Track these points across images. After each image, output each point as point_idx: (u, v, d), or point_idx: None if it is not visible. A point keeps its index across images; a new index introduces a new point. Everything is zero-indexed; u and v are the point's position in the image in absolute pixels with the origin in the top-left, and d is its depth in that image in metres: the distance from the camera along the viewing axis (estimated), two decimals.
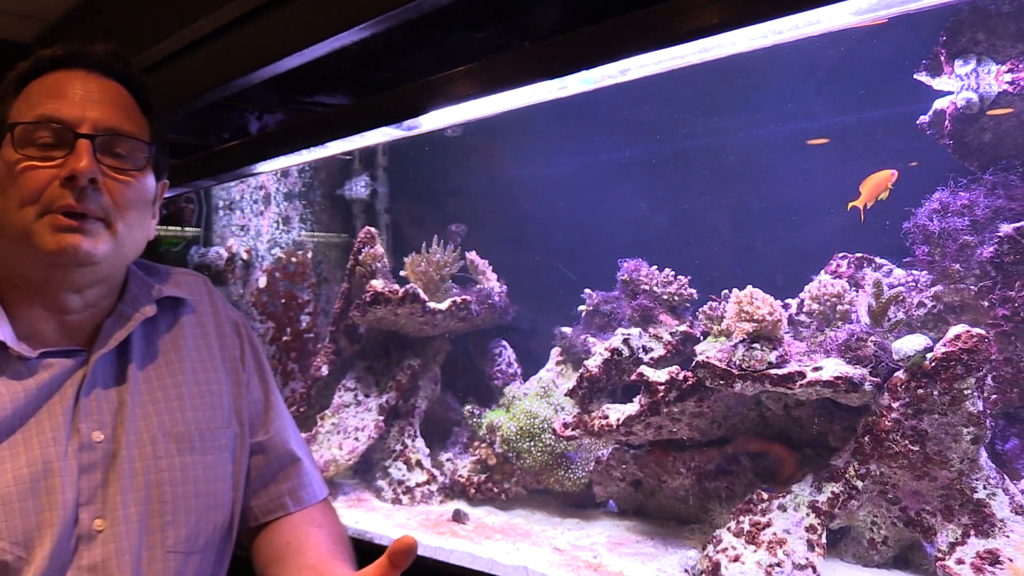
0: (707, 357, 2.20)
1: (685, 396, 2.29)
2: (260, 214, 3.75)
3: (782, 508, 2.08)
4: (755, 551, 2.02)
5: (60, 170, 1.30)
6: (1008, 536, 1.85)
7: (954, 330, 1.90)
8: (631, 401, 2.43)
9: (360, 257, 3.12)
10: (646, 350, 2.60)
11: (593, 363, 2.57)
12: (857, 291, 2.25)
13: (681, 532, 2.41)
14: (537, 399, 2.86)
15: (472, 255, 3.27)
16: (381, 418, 3.08)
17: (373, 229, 3.22)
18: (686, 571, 2.12)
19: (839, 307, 2.21)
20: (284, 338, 3.73)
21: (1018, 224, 2.00)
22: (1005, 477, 1.94)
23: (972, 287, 2.09)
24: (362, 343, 3.31)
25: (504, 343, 3.27)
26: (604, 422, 2.44)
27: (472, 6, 1.74)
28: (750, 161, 2.84)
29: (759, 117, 2.76)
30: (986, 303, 2.07)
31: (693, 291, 2.70)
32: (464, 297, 3.08)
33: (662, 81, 1.65)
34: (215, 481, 1.48)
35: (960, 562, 1.87)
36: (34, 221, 1.30)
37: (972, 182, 2.14)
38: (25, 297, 1.37)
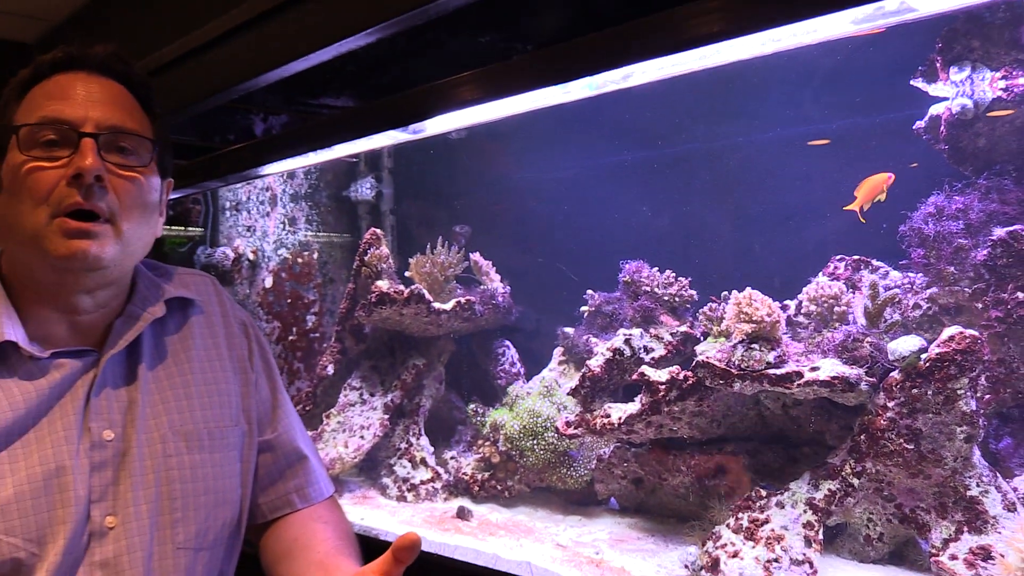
0: (707, 357, 2.22)
1: (685, 395, 2.32)
2: (266, 215, 3.76)
3: (780, 505, 2.11)
4: (753, 547, 2.04)
5: (66, 169, 1.31)
6: (1000, 532, 1.88)
7: (948, 331, 1.93)
8: (632, 400, 2.45)
9: (366, 258, 3.14)
10: (647, 350, 2.62)
11: (595, 363, 2.59)
12: (854, 293, 2.28)
13: (681, 529, 2.43)
14: (540, 398, 2.88)
15: (476, 256, 3.28)
16: (386, 417, 3.10)
17: (378, 230, 3.23)
18: (686, 567, 2.14)
19: (836, 308, 2.23)
20: (290, 338, 3.74)
21: (1011, 228, 2.02)
22: (998, 475, 1.97)
23: (966, 289, 2.12)
24: (367, 343, 3.32)
25: (507, 343, 3.28)
26: (606, 421, 2.46)
27: (476, 11, 1.74)
28: (750, 165, 2.85)
29: (759, 122, 2.77)
30: (980, 305, 2.09)
31: (693, 292, 2.71)
32: (468, 298, 3.09)
33: (663, 87, 1.67)
34: (224, 479, 1.49)
35: (954, 558, 1.91)
36: (45, 225, 1.31)
37: (967, 186, 2.17)
38: (36, 299, 1.39)
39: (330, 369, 3.32)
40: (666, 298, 2.72)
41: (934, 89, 2.21)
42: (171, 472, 1.42)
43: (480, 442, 3.00)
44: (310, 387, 3.42)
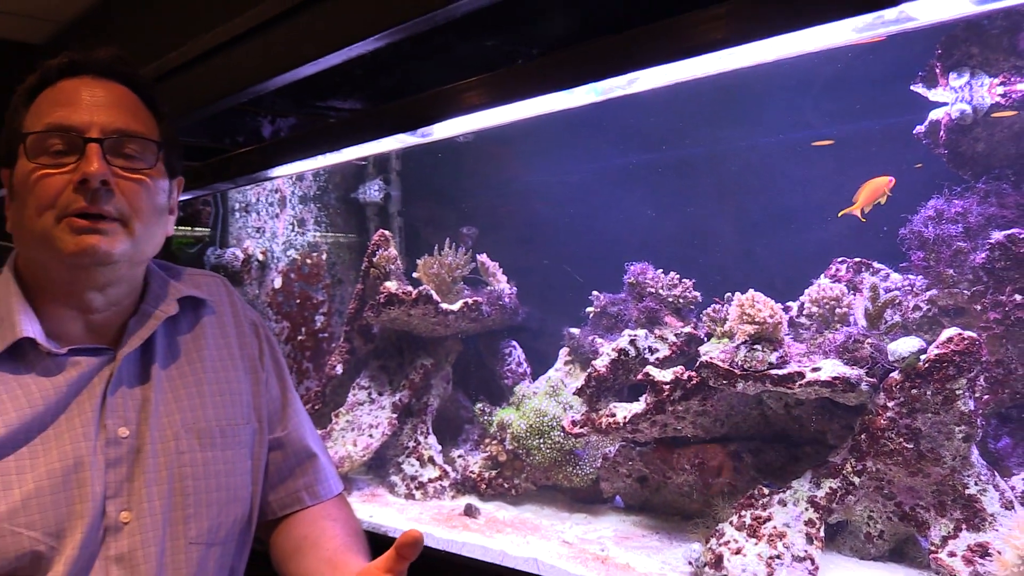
0: (710, 358, 2.24)
1: (689, 395, 2.34)
2: (276, 216, 3.78)
3: (782, 503, 2.13)
4: (756, 544, 2.07)
5: (73, 175, 1.33)
6: (997, 530, 1.91)
7: (946, 333, 1.96)
8: (637, 400, 2.47)
9: (374, 259, 3.15)
10: (652, 351, 2.63)
11: (601, 363, 2.61)
12: (855, 295, 2.29)
13: (685, 526, 2.45)
14: (546, 398, 2.89)
15: (483, 258, 3.29)
16: (395, 416, 3.11)
17: (387, 232, 3.24)
18: (690, 563, 2.16)
19: (838, 310, 2.25)
20: (299, 337, 3.76)
21: (1009, 231, 2.05)
22: (995, 473, 2.00)
23: (965, 291, 2.14)
24: (376, 343, 3.34)
25: (514, 343, 3.30)
26: (611, 420, 2.48)
27: (483, 16, 1.76)
28: (753, 169, 2.86)
29: (762, 127, 2.78)
30: (978, 307, 2.12)
31: (697, 294, 2.72)
32: (475, 298, 3.11)
33: (668, 91, 1.68)
34: (235, 475, 1.52)
35: (952, 555, 1.94)
36: (53, 226, 1.33)
37: (966, 190, 2.19)
38: (51, 298, 1.41)
39: (339, 369, 3.34)
40: (670, 299, 2.73)
41: (934, 94, 2.23)
42: (184, 469, 1.45)
43: (487, 441, 3.01)
44: (319, 386, 3.44)
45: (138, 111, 1.44)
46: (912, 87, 2.28)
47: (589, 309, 2.98)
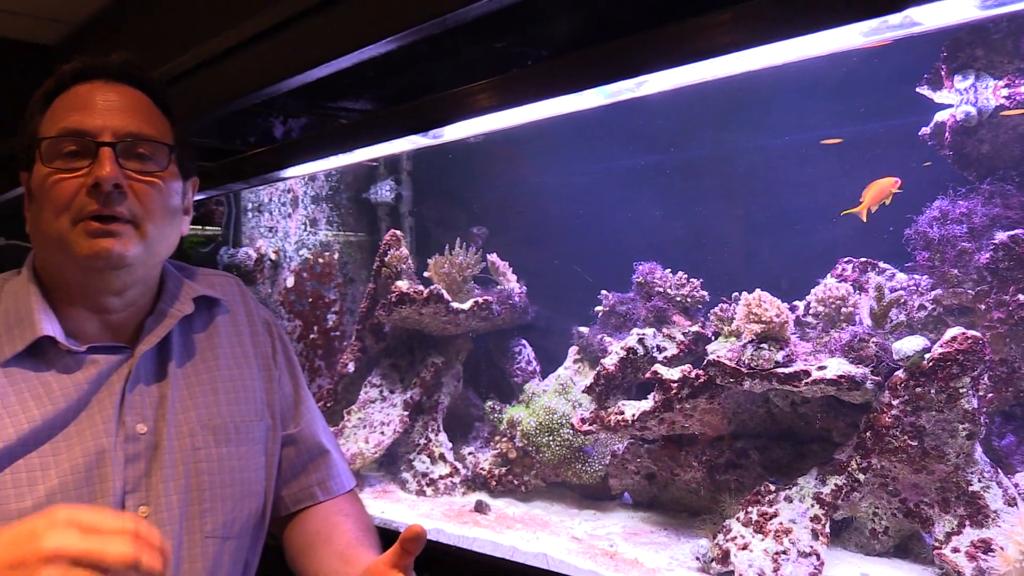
0: (718, 356, 2.26)
1: (697, 393, 2.35)
2: (288, 216, 3.80)
3: (788, 499, 2.15)
4: (763, 540, 2.09)
5: (86, 179, 1.35)
6: (1000, 526, 1.92)
7: (950, 332, 1.98)
8: (646, 398, 2.49)
9: (386, 259, 3.17)
10: (660, 349, 2.64)
11: (609, 361, 2.63)
12: (861, 294, 2.31)
13: (693, 522, 2.46)
14: (556, 395, 2.91)
15: (493, 257, 3.30)
16: (406, 413, 3.13)
17: (398, 232, 3.26)
18: (697, 559, 2.18)
19: (843, 309, 2.26)
20: (311, 336, 3.79)
21: (1012, 232, 2.06)
22: (999, 471, 2.01)
23: (970, 291, 2.15)
24: (387, 341, 3.36)
25: (524, 342, 3.31)
26: (620, 418, 2.50)
27: (493, 18, 1.76)
28: (759, 170, 2.87)
29: (768, 129, 2.79)
30: (983, 306, 2.13)
31: (705, 293, 2.73)
32: (485, 298, 3.12)
33: (675, 94, 1.68)
34: (249, 471, 1.55)
35: (956, 551, 1.95)
36: (69, 230, 1.35)
37: (970, 191, 2.20)
38: (68, 299, 1.44)
39: (351, 367, 3.36)
40: (678, 299, 2.74)
41: (939, 96, 2.23)
42: (199, 464, 1.48)
43: (497, 438, 3.04)
44: (331, 384, 3.46)
45: (150, 114, 1.46)
46: (917, 89, 2.28)
47: (598, 308, 2.99)
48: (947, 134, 2.23)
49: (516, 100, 1.80)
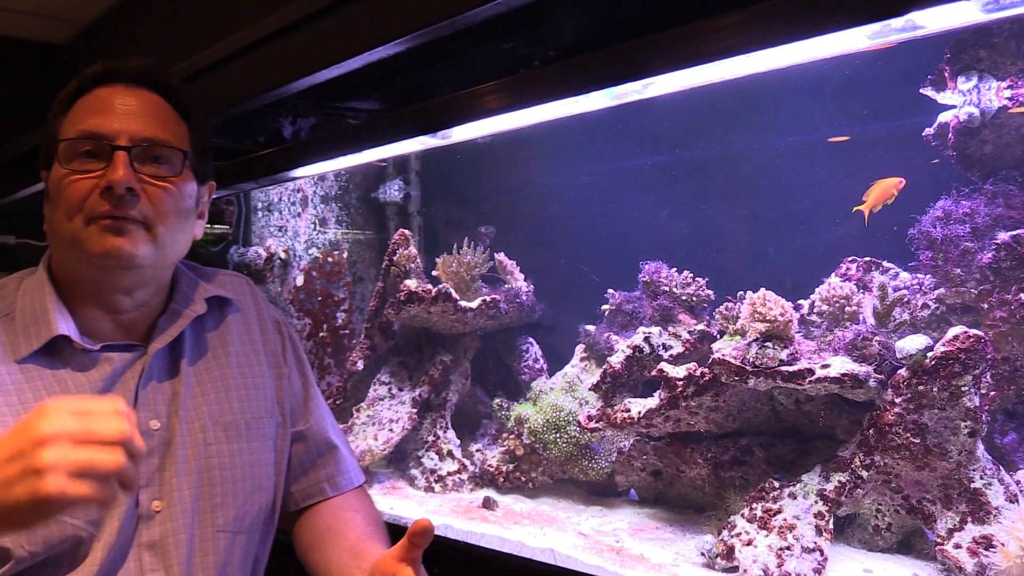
0: (723, 354, 2.27)
1: (702, 391, 2.37)
2: (298, 216, 3.82)
3: (792, 496, 2.17)
4: (767, 536, 2.11)
5: (100, 181, 1.36)
6: (1002, 523, 1.94)
7: (952, 331, 1.99)
8: (651, 396, 2.50)
9: (395, 258, 3.19)
10: (666, 348, 2.65)
11: (616, 359, 2.64)
12: (865, 293, 2.32)
13: (698, 519, 2.48)
14: (562, 393, 2.93)
15: (501, 256, 3.31)
16: (414, 411, 3.15)
17: (407, 231, 3.27)
18: (703, 554, 2.20)
19: (847, 308, 2.28)
20: (321, 334, 3.81)
21: (1015, 232, 2.07)
22: (1000, 468, 2.03)
23: (972, 290, 2.16)
24: (396, 339, 3.37)
25: (531, 340, 3.31)
26: (626, 415, 2.51)
27: (501, 20, 1.78)
28: (764, 171, 2.88)
29: (773, 130, 2.80)
30: (985, 305, 2.15)
31: (710, 292, 2.74)
32: (493, 296, 3.14)
33: (682, 95, 1.70)
34: (259, 466, 1.57)
35: (958, 547, 1.97)
36: (82, 229, 1.37)
37: (973, 191, 2.21)
38: (81, 298, 1.46)
39: (360, 365, 3.38)
40: (684, 298, 2.75)
41: (943, 97, 2.24)
42: (211, 460, 1.50)
43: (505, 435, 3.05)
44: (340, 382, 3.48)
45: (167, 119, 1.47)
46: (921, 90, 2.29)
47: (604, 307, 3.01)
48: (950, 135, 2.24)
49: (524, 101, 1.81)
